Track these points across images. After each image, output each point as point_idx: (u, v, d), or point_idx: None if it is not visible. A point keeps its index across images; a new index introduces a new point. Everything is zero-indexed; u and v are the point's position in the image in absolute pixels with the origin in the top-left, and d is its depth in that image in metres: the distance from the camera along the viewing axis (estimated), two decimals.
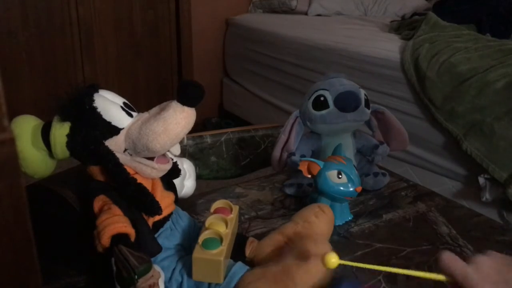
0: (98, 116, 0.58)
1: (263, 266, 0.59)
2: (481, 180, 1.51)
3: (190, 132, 0.61)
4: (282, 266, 0.58)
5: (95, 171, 0.60)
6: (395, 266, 0.67)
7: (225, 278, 0.57)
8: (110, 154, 0.58)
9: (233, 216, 0.63)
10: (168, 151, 0.62)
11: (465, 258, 0.49)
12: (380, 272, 0.67)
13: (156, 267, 0.56)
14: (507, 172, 1.44)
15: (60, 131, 0.58)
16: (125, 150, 0.59)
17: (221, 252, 0.56)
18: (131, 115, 0.60)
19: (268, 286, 0.56)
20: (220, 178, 1.19)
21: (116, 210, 0.56)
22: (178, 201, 0.67)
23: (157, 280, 0.53)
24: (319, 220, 0.67)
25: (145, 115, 0.59)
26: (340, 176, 0.74)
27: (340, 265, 0.51)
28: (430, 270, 0.67)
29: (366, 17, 2.72)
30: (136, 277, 0.50)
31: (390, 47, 1.91)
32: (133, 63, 2.55)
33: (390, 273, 0.66)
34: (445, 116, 1.61)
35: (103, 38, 2.42)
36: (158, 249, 0.59)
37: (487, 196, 1.50)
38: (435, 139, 1.70)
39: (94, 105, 0.58)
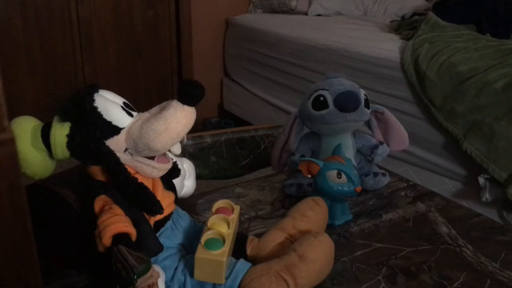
0: (99, 116, 0.58)
1: (266, 262, 0.59)
2: (481, 180, 1.51)
3: (190, 132, 0.61)
4: (285, 261, 0.58)
5: (96, 171, 0.60)
6: (395, 266, 0.68)
7: (228, 276, 0.58)
8: (110, 153, 0.58)
9: (234, 216, 0.63)
10: (169, 150, 0.62)
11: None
12: (379, 272, 0.67)
13: (156, 267, 0.56)
14: (507, 172, 1.44)
15: (60, 131, 0.58)
16: (126, 149, 0.59)
17: (223, 252, 0.56)
18: (131, 115, 0.60)
19: (271, 281, 0.56)
20: (220, 178, 1.19)
21: (117, 209, 0.56)
22: (178, 201, 0.67)
23: (156, 280, 0.53)
24: (315, 213, 0.69)
25: (146, 114, 0.59)
26: (340, 176, 0.74)
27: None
28: (429, 270, 0.67)
29: (366, 17, 2.72)
30: (135, 277, 0.50)
31: (390, 47, 1.91)
32: (133, 63, 2.55)
33: (389, 273, 0.66)
34: (445, 116, 1.61)
35: (103, 38, 2.42)
36: (160, 248, 0.59)
37: (487, 196, 1.50)
38: (435, 139, 1.70)
39: (95, 105, 0.58)
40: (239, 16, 2.77)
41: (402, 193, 0.90)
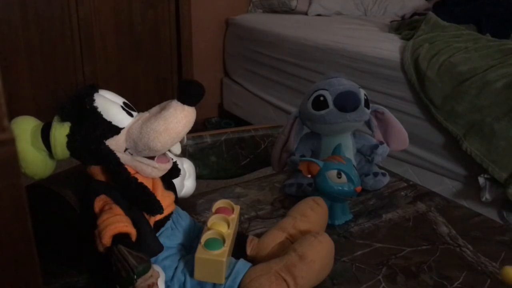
0: (99, 116, 0.58)
1: (266, 262, 0.59)
2: (481, 180, 1.51)
3: (190, 132, 0.61)
4: (285, 261, 0.58)
5: (96, 171, 0.60)
6: (395, 266, 0.68)
7: (228, 276, 0.58)
8: (110, 153, 0.58)
9: (234, 216, 0.63)
10: (169, 150, 0.62)
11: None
12: (379, 272, 0.67)
13: (156, 267, 0.56)
14: (507, 172, 1.44)
15: (60, 131, 0.58)
16: (126, 149, 0.59)
17: (223, 252, 0.56)
18: (131, 115, 0.60)
19: (271, 281, 0.56)
20: (220, 178, 1.20)
21: (117, 209, 0.56)
22: (178, 201, 0.67)
23: (156, 280, 0.53)
24: (315, 213, 0.69)
25: (146, 114, 0.60)
26: (340, 176, 0.74)
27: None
28: (429, 270, 0.67)
29: (366, 17, 2.72)
30: (135, 277, 0.50)
31: (390, 47, 1.91)
32: (133, 63, 2.55)
33: (389, 273, 0.66)
34: (445, 116, 1.61)
35: (103, 38, 2.42)
36: (160, 248, 0.59)
37: (487, 196, 1.50)
38: (435, 139, 1.70)
39: (95, 105, 0.58)
40: (239, 16, 2.77)
41: (402, 193, 0.90)
